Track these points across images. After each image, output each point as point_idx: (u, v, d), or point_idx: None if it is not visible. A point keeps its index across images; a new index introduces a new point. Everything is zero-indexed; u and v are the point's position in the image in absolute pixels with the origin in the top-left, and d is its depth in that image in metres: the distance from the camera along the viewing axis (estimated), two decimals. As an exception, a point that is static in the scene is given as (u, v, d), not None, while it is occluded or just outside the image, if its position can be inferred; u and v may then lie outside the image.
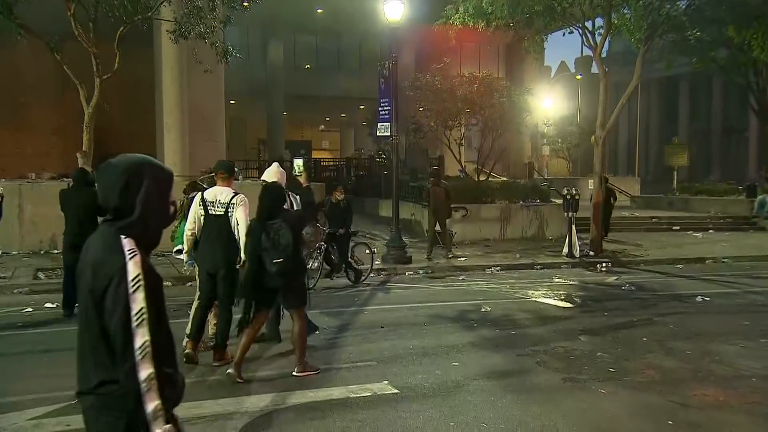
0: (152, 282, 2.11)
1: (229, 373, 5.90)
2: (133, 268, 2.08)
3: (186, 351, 6.35)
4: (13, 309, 9.04)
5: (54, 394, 5.51)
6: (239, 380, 5.86)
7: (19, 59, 18.41)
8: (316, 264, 12.40)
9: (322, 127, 42.10)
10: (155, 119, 18.35)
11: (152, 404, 2.04)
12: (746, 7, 16.75)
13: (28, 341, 7.38)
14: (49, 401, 5.36)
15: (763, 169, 26.62)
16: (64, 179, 15.04)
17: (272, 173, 6.84)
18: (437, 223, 14.15)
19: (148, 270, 2.11)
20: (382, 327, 8.11)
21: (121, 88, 16.46)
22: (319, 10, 28.83)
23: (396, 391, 5.74)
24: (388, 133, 13.68)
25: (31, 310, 9.00)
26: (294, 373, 6.10)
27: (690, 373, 6.36)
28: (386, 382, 5.94)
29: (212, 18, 12.18)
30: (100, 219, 2.30)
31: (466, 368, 6.42)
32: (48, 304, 9.07)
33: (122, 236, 2.13)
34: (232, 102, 27.16)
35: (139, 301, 2.06)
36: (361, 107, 32.97)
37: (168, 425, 2.07)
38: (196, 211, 6.44)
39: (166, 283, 11.11)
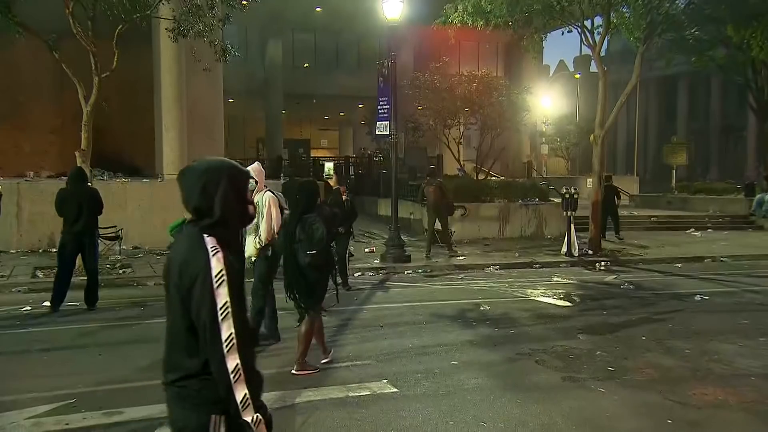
0: (234, 277, 2.21)
1: (293, 373, 6.11)
2: (216, 265, 2.18)
3: None
4: (11, 307, 9.03)
5: (53, 393, 5.50)
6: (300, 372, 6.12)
7: (17, 58, 18.36)
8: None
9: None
10: (154, 117, 18.31)
11: (241, 393, 2.16)
12: (745, 6, 16.76)
13: (27, 340, 7.36)
14: (47, 400, 5.35)
15: (762, 168, 26.62)
16: (63, 178, 15.03)
17: (260, 171, 7.00)
18: (437, 222, 14.16)
19: (230, 266, 2.21)
20: (381, 326, 8.10)
21: (119, 86, 16.43)
22: (318, 9, 28.79)
23: (395, 389, 5.74)
24: (387, 132, 13.67)
25: (29, 308, 8.99)
26: (293, 372, 6.12)
27: (689, 371, 6.36)
28: (385, 381, 5.94)
29: (211, 16, 12.16)
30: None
31: (465, 367, 6.42)
32: (46, 303, 9.05)
33: (205, 235, 2.24)
34: (230, 100, 27.13)
35: (223, 296, 2.17)
36: (360, 106, 32.93)
37: (256, 414, 2.19)
38: None
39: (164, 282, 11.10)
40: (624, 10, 14.70)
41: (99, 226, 12.89)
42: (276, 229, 6.84)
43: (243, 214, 2.38)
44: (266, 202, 6.87)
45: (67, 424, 4.92)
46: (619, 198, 17.74)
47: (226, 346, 2.15)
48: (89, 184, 9.62)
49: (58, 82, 17.07)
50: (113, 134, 18.62)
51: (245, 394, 2.17)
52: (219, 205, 2.26)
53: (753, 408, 5.44)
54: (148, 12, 11.85)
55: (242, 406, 2.17)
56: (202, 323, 2.16)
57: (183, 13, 11.96)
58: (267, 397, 5.64)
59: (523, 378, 6.14)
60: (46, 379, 5.86)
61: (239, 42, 28.33)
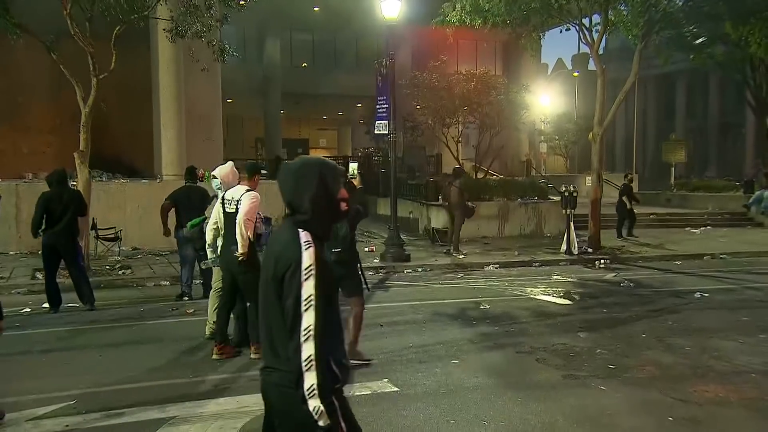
0: (324, 272, 2.36)
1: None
2: (306, 259, 2.34)
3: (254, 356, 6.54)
4: (11, 309, 8.99)
5: (53, 395, 5.50)
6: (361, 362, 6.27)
7: (15, 59, 18.33)
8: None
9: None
10: (152, 118, 18.30)
11: (309, 382, 2.28)
12: (743, 3, 16.75)
13: (27, 341, 7.36)
14: (48, 401, 5.35)
15: (761, 164, 26.62)
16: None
17: (224, 170, 7.01)
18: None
19: (321, 261, 2.36)
20: (381, 325, 8.10)
21: (117, 86, 16.40)
22: (316, 9, 28.77)
23: (396, 389, 5.73)
24: (386, 131, 13.66)
25: (29, 310, 8.98)
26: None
27: (689, 369, 6.36)
28: (386, 380, 5.94)
29: (209, 17, 12.14)
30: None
31: (466, 366, 6.42)
32: (46, 305, 9.05)
33: (300, 229, 2.41)
34: (229, 100, 27.10)
35: (309, 289, 2.32)
36: (359, 105, 32.91)
37: (319, 404, 2.27)
38: (217, 209, 6.76)
39: (164, 283, 11.11)
40: (622, 7, 14.71)
41: (98, 227, 13.01)
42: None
43: (334, 210, 2.51)
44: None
45: (67, 425, 4.92)
46: (635, 200, 17.83)
47: (304, 335, 2.29)
48: (73, 184, 9.55)
49: (56, 83, 17.04)
50: (112, 135, 18.58)
51: (313, 384, 2.28)
52: (310, 201, 2.43)
53: (754, 405, 5.44)
54: (146, 13, 11.83)
55: (308, 394, 2.28)
56: (286, 311, 2.34)
57: (181, 13, 11.95)
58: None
59: (523, 376, 6.13)
60: (46, 381, 5.86)
61: (237, 42, 28.30)
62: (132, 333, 7.84)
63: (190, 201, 9.23)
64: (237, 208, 6.46)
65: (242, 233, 6.33)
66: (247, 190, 6.55)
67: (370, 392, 5.65)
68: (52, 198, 8.79)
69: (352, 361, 6.04)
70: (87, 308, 8.93)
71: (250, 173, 6.74)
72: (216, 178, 7.01)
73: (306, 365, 2.28)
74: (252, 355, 6.54)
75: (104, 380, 5.94)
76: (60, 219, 8.70)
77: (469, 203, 14.62)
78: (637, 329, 7.93)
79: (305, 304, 2.31)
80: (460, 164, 21.09)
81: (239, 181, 6.85)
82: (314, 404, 2.27)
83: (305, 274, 2.32)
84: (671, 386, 5.80)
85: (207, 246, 6.96)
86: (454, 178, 14.47)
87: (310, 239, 2.38)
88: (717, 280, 12.00)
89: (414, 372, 6.23)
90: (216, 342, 6.72)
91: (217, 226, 6.77)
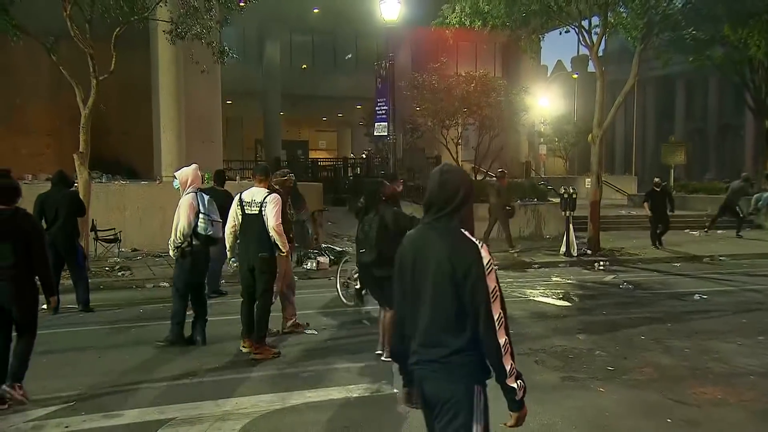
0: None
1: (378, 353, 6.56)
2: (485, 255, 2.62)
3: (244, 350, 6.80)
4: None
5: (52, 396, 5.50)
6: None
7: (15, 60, 18.33)
8: (313, 264, 12.43)
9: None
10: (152, 119, 18.29)
11: (508, 364, 2.63)
12: (742, 5, 16.77)
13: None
14: (47, 403, 5.35)
15: (760, 166, 26.60)
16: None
17: (183, 172, 7.15)
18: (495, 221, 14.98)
19: (492, 257, 2.66)
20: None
21: (117, 88, 16.42)
22: (316, 10, 28.80)
23: (395, 390, 5.73)
24: (386, 133, 13.68)
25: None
26: (383, 358, 6.45)
27: (688, 370, 6.37)
28: (384, 381, 5.94)
29: (208, 18, 12.15)
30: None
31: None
32: (44, 306, 9.03)
33: (462, 230, 2.68)
34: (228, 102, 27.12)
35: (493, 281, 2.60)
36: (358, 107, 32.93)
37: (519, 380, 2.66)
38: (235, 210, 6.86)
39: (163, 284, 11.06)
40: (621, 9, 14.71)
41: (98, 228, 13.00)
42: (184, 231, 6.89)
43: (470, 215, 2.85)
44: (182, 202, 6.96)
45: (67, 426, 4.92)
46: (672, 205, 16.97)
47: (497, 324, 2.59)
48: (74, 186, 9.50)
49: (55, 85, 17.05)
50: (111, 136, 18.59)
51: (511, 365, 2.63)
52: (465, 206, 2.74)
53: (752, 406, 5.45)
54: (146, 14, 11.84)
55: (509, 374, 2.63)
56: (476, 305, 2.59)
57: (181, 15, 11.96)
58: (267, 398, 5.68)
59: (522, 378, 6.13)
60: (45, 382, 5.86)
61: (237, 43, 28.33)
62: (131, 334, 7.84)
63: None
64: (260, 210, 6.67)
65: (280, 236, 6.68)
66: (269, 193, 6.79)
67: (369, 394, 5.66)
68: (47, 198, 8.81)
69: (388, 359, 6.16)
70: (79, 309, 8.89)
71: (266, 175, 6.97)
72: (176, 178, 7.18)
73: (504, 350, 2.60)
74: (243, 349, 6.83)
75: (104, 381, 5.95)
76: (55, 219, 8.70)
77: (508, 206, 15.06)
78: (636, 331, 7.94)
79: (492, 296, 2.58)
80: (459, 166, 21.12)
81: (254, 183, 7.00)
82: (515, 383, 2.64)
83: (487, 269, 2.59)
84: (670, 388, 5.80)
85: (228, 249, 7.04)
86: (497, 180, 15.14)
87: (475, 238, 2.66)
88: (716, 282, 12.01)
89: (413, 373, 6.23)
90: (251, 342, 6.79)
91: (235, 229, 6.88)
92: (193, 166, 7.34)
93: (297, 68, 34.73)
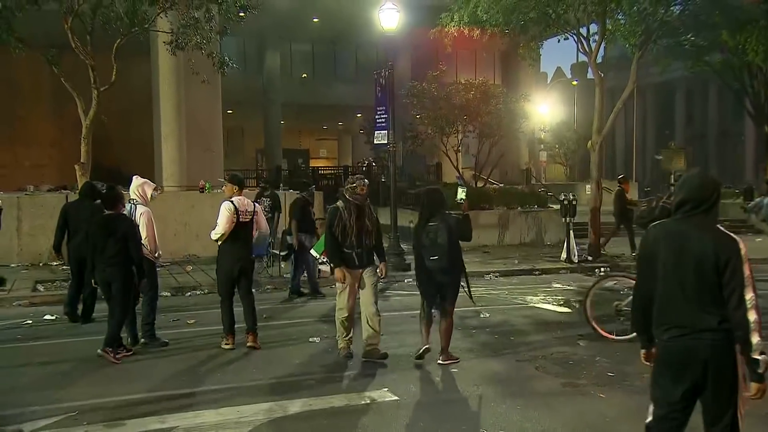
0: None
1: (439, 363, 6.63)
2: (743, 248, 3.21)
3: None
4: (12, 321, 9.03)
5: (54, 406, 5.52)
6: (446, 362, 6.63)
7: (17, 72, 18.46)
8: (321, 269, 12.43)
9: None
10: (152, 129, 18.37)
11: (755, 339, 3.14)
12: (740, 11, 16.83)
13: (28, 353, 7.38)
14: (49, 413, 5.37)
15: (762, 172, 26.60)
16: (63, 191, 15.05)
17: (135, 186, 7.74)
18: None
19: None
20: (382, 334, 8.09)
21: (118, 98, 16.48)
22: (316, 20, 28.93)
23: (396, 398, 5.75)
24: (385, 141, 13.71)
25: (30, 322, 8.98)
26: (439, 362, 6.56)
27: (689, 376, 6.36)
28: (386, 389, 5.95)
29: (209, 29, 12.23)
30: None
31: (466, 374, 6.43)
32: (47, 317, 9.08)
33: (718, 226, 3.26)
34: (229, 111, 27.21)
35: (747, 269, 3.17)
36: (358, 115, 33.03)
37: (764, 355, 3.13)
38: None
39: (164, 294, 11.05)
40: (619, 17, 14.77)
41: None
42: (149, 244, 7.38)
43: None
44: (139, 216, 7.37)
45: (68, 436, 4.94)
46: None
47: (749, 304, 3.14)
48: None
49: (57, 96, 17.14)
50: (112, 146, 18.69)
51: (759, 340, 3.13)
52: (715, 203, 3.32)
53: (754, 412, 5.43)
54: (146, 26, 11.93)
55: (754, 348, 3.14)
56: (732, 288, 3.16)
57: (181, 26, 12.03)
58: (267, 406, 5.68)
59: (523, 384, 6.15)
60: (47, 392, 5.88)
61: (237, 53, 28.45)
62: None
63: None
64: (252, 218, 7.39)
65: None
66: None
67: (369, 401, 5.67)
68: (70, 209, 8.84)
69: (445, 363, 6.54)
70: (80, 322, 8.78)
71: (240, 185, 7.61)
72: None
73: (753, 326, 3.12)
74: (249, 344, 7.26)
75: (105, 391, 5.96)
76: (77, 231, 8.54)
77: (633, 208, 15.13)
78: (636, 337, 7.92)
79: (747, 281, 3.14)
80: (460, 173, 21.17)
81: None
82: (758, 356, 3.12)
83: (744, 260, 3.16)
84: (670, 393, 5.80)
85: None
86: (619, 185, 15.36)
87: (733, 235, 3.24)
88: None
89: (414, 381, 6.25)
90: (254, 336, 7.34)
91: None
92: (139, 178, 7.98)
93: (297, 77, 34.87)
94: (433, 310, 6.80)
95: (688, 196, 3.34)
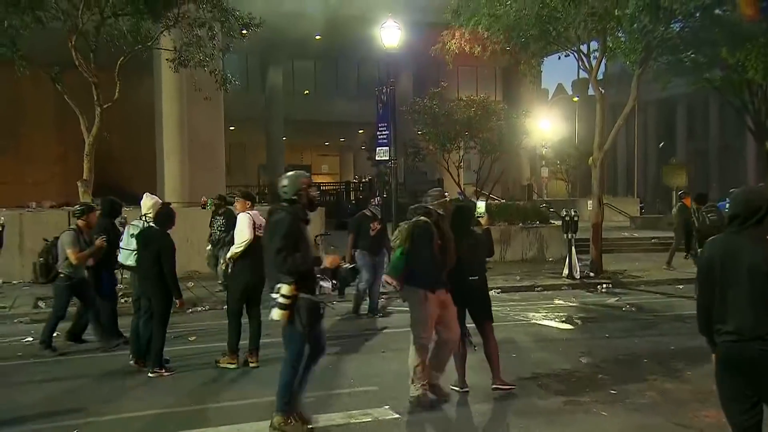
0: None
1: (452, 388, 6.30)
2: None
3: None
4: (13, 339, 9.02)
5: (54, 424, 5.50)
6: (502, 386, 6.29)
7: (20, 89, 18.57)
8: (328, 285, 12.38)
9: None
10: (155, 146, 18.45)
11: None
12: (739, 29, 16.91)
13: (29, 371, 7.36)
14: (51, 430, 5.34)
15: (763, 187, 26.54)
16: (65, 208, 15.08)
17: (151, 204, 7.66)
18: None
19: None
20: (383, 351, 8.09)
21: (121, 115, 16.59)
22: (318, 37, 29.13)
23: (397, 415, 5.72)
24: (387, 158, 13.76)
25: (31, 339, 8.95)
26: (493, 387, 6.25)
27: (691, 394, 6.33)
28: (387, 406, 5.93)
29: (212, 47, 12.33)
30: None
31: (467, 392, 6.39)
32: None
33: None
34: (231, 128, 27.35)
35: None
36: (360, 131, 33.18)
37: None
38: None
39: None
40: (620, 34, 14.84)
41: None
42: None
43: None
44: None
45: (68, 454, 4.91)
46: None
47: None
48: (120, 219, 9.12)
49: (60, 113, 17.24)
50: (115, 163, 18.77)
51: None
52: (764, 217, 3.45)
53: (756, 430, 5.40)
54: (150, 43, 12.02)
55: None
56: None
57: (184, 44, 12.13)
58: (266, 424, 5.62)
59: (525, 402, 6.12)
60: (47, 410, 5.86)
61: (240, 70, 28.65)
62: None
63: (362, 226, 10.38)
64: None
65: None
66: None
67: (371, 419, 5.64)
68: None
69: (501, 388, 6.20)
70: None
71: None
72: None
73: None
74: (251, 364, 7.25)
75: (106, 409, 5.94)
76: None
77: (695, 221, 15.06)
78: (639, 354, 7.91)
79: None
80: (461, 189, 21.20)
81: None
82: None
83: None
84: (673, 411, 5.78)
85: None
86: (680, 199, 16.04)
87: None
88: (719, 303, 11.94)
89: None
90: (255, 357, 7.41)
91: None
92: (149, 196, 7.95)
93: (299, 94, 35.04)
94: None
95: (737, 211, 3.52)
